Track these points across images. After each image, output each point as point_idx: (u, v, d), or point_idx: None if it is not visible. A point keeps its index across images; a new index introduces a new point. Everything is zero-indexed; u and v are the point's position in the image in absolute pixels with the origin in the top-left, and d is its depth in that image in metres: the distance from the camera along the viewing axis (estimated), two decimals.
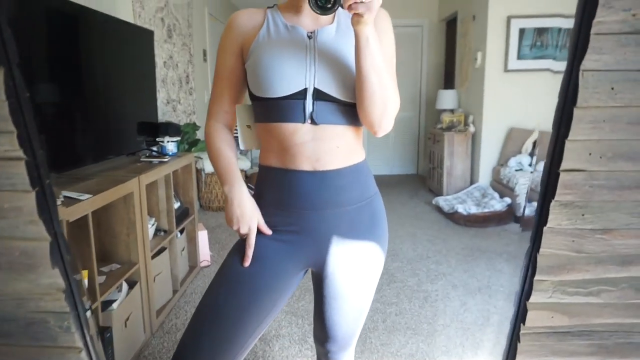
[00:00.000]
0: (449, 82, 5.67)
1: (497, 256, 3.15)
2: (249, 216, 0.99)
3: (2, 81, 0.51)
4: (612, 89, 0.53)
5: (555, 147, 0.56)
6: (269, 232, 1.01)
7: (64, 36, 1.86)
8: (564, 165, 0.57)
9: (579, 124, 0.54)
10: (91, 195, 1.64)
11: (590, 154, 0.56)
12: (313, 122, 0.94)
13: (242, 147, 1.11)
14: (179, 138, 2.77)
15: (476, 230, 3.74)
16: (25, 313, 0.64)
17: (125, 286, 1.99)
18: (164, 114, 3.49)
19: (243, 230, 0.99)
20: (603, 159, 0.56)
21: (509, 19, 4.14)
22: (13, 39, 0.52)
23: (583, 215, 0.59)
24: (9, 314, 0.63)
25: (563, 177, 0.57)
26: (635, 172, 0.57)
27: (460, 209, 3.90)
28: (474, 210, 3.88)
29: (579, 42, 0.51)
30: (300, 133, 0.95)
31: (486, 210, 3.87)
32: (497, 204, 3.91)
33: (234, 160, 1.05)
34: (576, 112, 0.54)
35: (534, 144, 4.00)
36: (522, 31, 4.14)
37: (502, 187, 4.12)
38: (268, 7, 1.04)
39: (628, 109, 0.54)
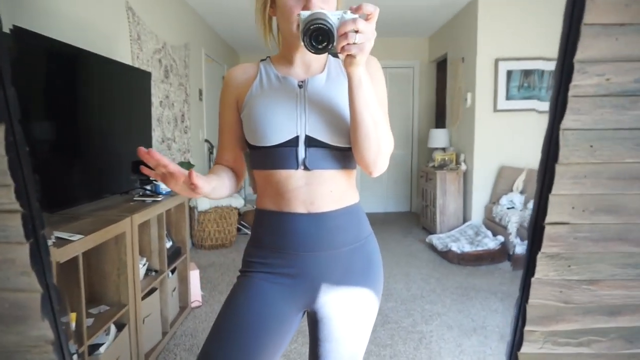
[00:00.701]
0: (440, 121, 5.79)
1: (491, 295, 3.13)
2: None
3: (2, 137, 0.53)
4: (591, 146, 0.56)
5: (539, 200, 0.58)
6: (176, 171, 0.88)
7: (63, 77, 1.90)
8: (549, 218, 0.59)
9: (561, 179, 0.56)
10: (83, 236, 1.63)
11: (573, 207, 0.58)
12: (306, 168, 0.97)
13: (254, 191, 1.13)
14: None
15: (470, 268, 3.73)
16: None
17: (113, 329, 1.95)
18: (159, 152, 3.51)
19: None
20: (586, 212, 0.58)
21: (496, 61, 4.29)
22: (16, 97, 0.53)
23: (569, 266, 0.60)
24: None
25: (548, 230, 0.59)
26: (617, 225, 0.59)
27: (454, 247, 3.90)
28: (467, 248, 3.88)
29: (558, 103, 0.54)
30: (294, 179, 0.97)
31: (479, 248, 3.87)
32: (491, 242, 3.91)
33: (216, 172, 1.04)
34: (558, 169, 0.56)
35: (524, 182, 4.05)
36: (509, 73, 4.28)
37: (494, 225, 4.14)
38: (261, 60, 1.09)
39: (607, 165, 0.57)
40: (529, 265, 0.61)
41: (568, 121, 0.55)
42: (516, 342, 0.63)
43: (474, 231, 4.33)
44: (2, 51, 0.53)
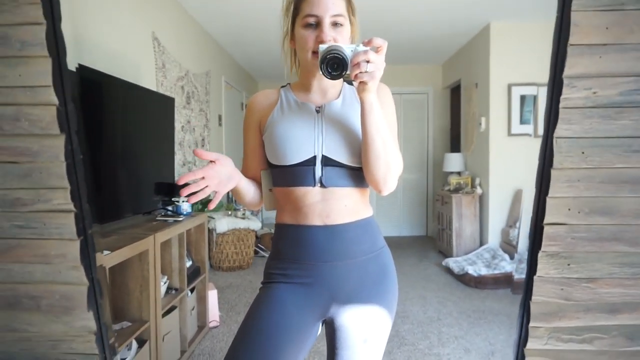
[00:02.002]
0: (455, 145, 5.83)
1: (509, 319, 3.10)
2: (225, 157, 1.02)
3: (62, 145, 0.61)
4: (583, 153, 0.61)
5: (538, 203, 0.63)
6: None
7: (97, 103, 2.03)
8: (547, 219, 0.64)
9: (557, 183, 0.62)
10: (110, 252, 1.71)
11: (569, 209, 0.63)
12: (322, 185, 1.04)
13: (266, 207, 1.20)
14: None
15: (487, 292, 3.70)
16: (58, 354, 0.69)
17: (135, 344, 2.00)
18: (180, 175, 3.63)
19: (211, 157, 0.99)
20: (581, 213, 0.63)
21: (509, 86, 4.35)
22: (74, 111, 0.62)
23: (569, 264, 0.65)
24: (43, 355, 0.69)
25: (547, 230, 0.63)
26: (611, 226, 0.63)
27: (471, 270, 3.88)
28: (484, 271, 3.86)
29: (551, 114, 0.60)
30: (311, 195, 1.05)
31: (497, 271, 3.84)
32: (508, 266, 3.88)
33: (248, 179, 1.15)
34: (553, 173, 0.61)
35: None
36: (522, 97, 4.33)
37: (512, 248, 4.12)
38: (282, 87, 1.18)
39: (598, 170, 0.62)
40: (531, 264, 0.66)
41: (561, 130, 0.61)
42: (522, 339, 0.67)
43: (490, 254, 4.31)
44: (65, 74, 0.61)
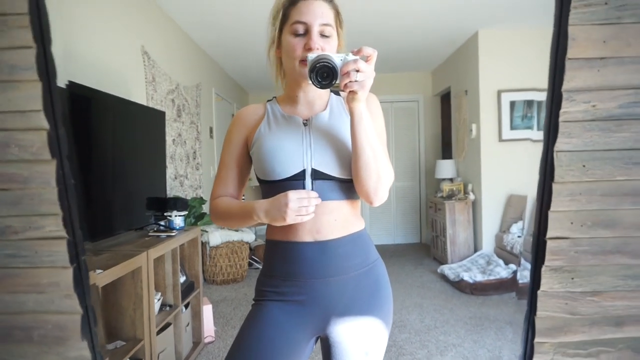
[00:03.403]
0: (446, 152, 5.86)
1: (506, 325, 3.09)
2: (283, 197, 0.98)
3: (54, 171, 0.59)
4: (584, 166, 0.61)
5: (540, 217, 0.63)
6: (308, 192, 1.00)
7: (86, 119, 2.00)
8: (550, 233, 0.63)
9: (559, 197, 0.61)
10: (102, 270, 1.68)
11: (571, 222, 0.62)
12: None
13: (254, 226, 1.18)
14: (186, 212, 2.84)
15: (483, 298, 3.69)
16: None
17: None
18: (172, 188, 3.60)
19: (295, 202, 0.97)
20: (584, 227, 0.63)
21: (499, 92, 4.39)
22: (65, 136, 0.60)
23: (572, 278, 0.64)
24: None
25: (550, 244, 0.63)
26: (614, 238, 0.63)
27: (466, 277, 3.88)
28: (479, 278, 3.86)
29: (550, 128, 0.60)
30: None
31: (492, 277, 3.84)
32: (503, 271, 3.89)
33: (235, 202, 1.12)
34: (555, 187, 0.61)
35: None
36: (512, 103, 4.38)
37: (506, 253, 4.13)
38: (268, 101, 1.17)
39: (599, 183, 0.62)
40: (534, 279, 0.65)
41: (561, 144, 0.61)
42: (527, 354, 0.66)
43: (485, 260, 4.31)
44: (55, 97, 0.60)
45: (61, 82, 1.78)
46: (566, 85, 0.59)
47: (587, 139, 0.61)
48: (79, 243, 0.64)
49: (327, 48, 1.03)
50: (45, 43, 0.54)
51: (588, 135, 0.61)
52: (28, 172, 0.58)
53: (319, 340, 1.13)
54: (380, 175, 1.00)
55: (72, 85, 1.89)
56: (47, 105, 0.56)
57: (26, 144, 0.58)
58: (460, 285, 3.89)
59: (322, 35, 1.03)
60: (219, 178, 1.17)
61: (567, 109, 0.59)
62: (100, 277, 1.66)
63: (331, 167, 1.02)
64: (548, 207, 0.61)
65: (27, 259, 0.62)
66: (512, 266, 3.92)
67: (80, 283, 0.64)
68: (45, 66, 0.54)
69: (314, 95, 1.10)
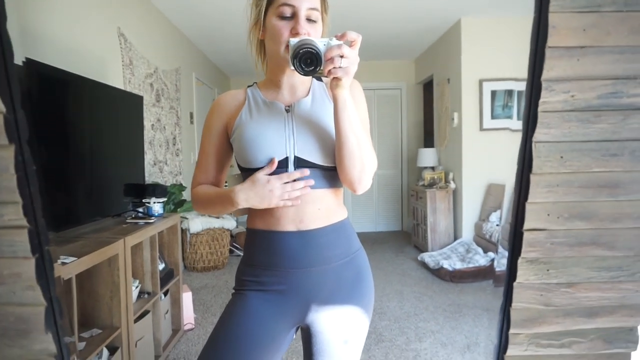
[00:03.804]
0: (428, 140, 5.89)
1: (484, 312, 3.15)
2: (265, 184, 0.97)
3: (12, 156, 0.56)
4: (562, 157, 0.61)
5: (517, 208, 0.62)
6: (274, 166, 0.99)
7: (58, 102, 1.93)
8: (527, 225, 0.63)
9: (536, 188, 0.61)
10: (76, 258, 1.64)
11: (548, 214, 0.62)
12: None
13: (235, 214, 1.16)
14: (165, 199, 2.79)
15: (462, 285, 3.75)
16: None
17: (105, 352, 1.93)
18: (151, 175, 3.53)
19: (279, 189, 0.97)
20: (560, 218, 0.62)
21: (480, 81, 4.41)
22: (25, 119, 0.57)
23: (548, 270, 0.64)
24: None
25: (527, 236, 0.63)
26: (590, 230, 0.63)
27: (446, 264, 3.93)
28: (459, 266, 3.91)
29: (529, 118, 0.59)
30: None
31: (471, 265, 3.90)
32: (482, 259, 3.95)
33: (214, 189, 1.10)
34: (533, 178, 0.60)
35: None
36: (493, 93, 4.40)
37: (485, 242, 4.19)
38: (248, 86, 1.13)
39: (577, 174, 0.61)
40: (510, 271, 0.65)
41: (539, 134, 0.60)
42: (502, 345, 0.67)
43: (464, 248, 4.37)
44: (13, 78, 0.56)
45: (20, 60, 1.71)
46: (546, 74, 0.58)
47: (565, 129, 0.60)
48: (41, 232, 0.61)
49: (313, 33, 1.00)
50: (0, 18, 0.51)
51: (567, 126, 0.60)
52: None
53: (299, 330, 1.12)
54: (364, 163, 0.98)
55: (30, 63, 1.81)
56: (2, 87, 0.52)
57: None
58: (439, 273, 3.94)
59: (309, 19, 1.00)
60: (199, 165, 1.15)
61: (547, 99, 0.58)
62: (74, 265, 1.62)
63: (314, 155, 1.00)
64: (525, 198, 0.61)
65: None
66: (491, 254, 3.98)
67: (44, 274, 0.62)
68: (0, 44, 0.51)
69: (297, 81, 1.07)
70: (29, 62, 1.66)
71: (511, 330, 0.65)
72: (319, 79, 1.12)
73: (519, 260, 0.63)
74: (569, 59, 0.58)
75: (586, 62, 0.57)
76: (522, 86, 4.35)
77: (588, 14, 0.54)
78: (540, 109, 0.58)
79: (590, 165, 0.61)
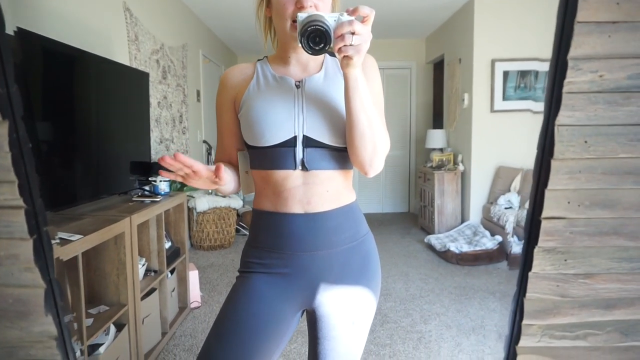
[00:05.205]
0: (437, 121, 5.80)
1: (489, 295, 3.14)
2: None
3: (6, 133, 0.53)
4: (586, 142, 0.57)
5: (536, 195, 0.59)
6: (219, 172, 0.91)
7: (61, 78, 1.90)
8: (545, 213, 0.59)
9: (557, 175, 0.57)
10: (82, 236, 1.64)
11: (569, 202, 0.59)
12: (304, 168, 0.97)
13: (243, 192, 1.13)
14: None
15: (469, 268, 3.74)
16: None
17: (113, 329, 1.95)
18: (157, 153, 3.52)
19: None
20: (581, 207, 0.59)
21: (493, 62, 4.31)
22: (19, 94, 0.54)
23: (565, 260, 0.61)
24: None
25: (545, 224, 0.60)
26: (611, 219, 0.60)
27: (452, 247, 3.91)
28: (465, 248, 3.90)
29: (553, 99, 0.55)
30: (291, 178, 0.98)
31: (478, 248, 3.88)
32: (489, 242, 3.92)
33: (229, 172, 1.06)
34: (553, 164, 0.57)
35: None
36: (506, 73, 4.30)
37: (492, 225, 4.16)
38: (258, 60, 1.09)
39: (601, 161, 0.58)
40: (526, 260, 0.62)
41: (563, 117, 0.56)
42: (514, 336, 0.64)
43: (472, 231, 4.35)
44: (5, 50, 0.53)
45: (44, 37, 1.68)
46: (573, 52, 0.53)
47: (591, 112, 0.56)
48: (39, 213, 0.59)
49: (321, 6, 0.95)
50: None
51: (592, 108, 0.56)
52: None
53: (304, 313, 1.11)
54: (376, 144, 0.94)
55: (52, 42, 1.78)
56: None
57: None
58: (446, 255, 3.93)
59: None
60: (218, 144, 1.13)
61: (572, 79, 0.54)
62: (80, 243, 1.62)
63: (324, 135, 0.96)
64: (545, 185, 0.58)
65: None
66: (498, 237, 3.95)
67: (42, 256, 0.60)
68: None
69: (308, 57, 1.03)
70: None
71: (524, 321, 0.62)
72: (332, 54, 1.07)
73: (536, 250, 0.60)
74: (599, 36, 0.53)
75: (618, 39, 0.53)
76: (539, 66, 4.24)
77: None
78: (565, 89, 0.54)
79: (616, 150, 0.57)
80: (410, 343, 2.46)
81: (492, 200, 4.39)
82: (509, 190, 4.17)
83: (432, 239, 4.30)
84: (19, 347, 0.63)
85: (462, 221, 4.67)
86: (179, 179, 0.89)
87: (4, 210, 0.57)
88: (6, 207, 0.56)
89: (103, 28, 2.70)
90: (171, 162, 0.82)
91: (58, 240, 1.51)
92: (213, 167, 0.89)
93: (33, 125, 1.66)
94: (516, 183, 4.09)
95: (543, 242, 0.60)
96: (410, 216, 6.00)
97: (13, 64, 0.53)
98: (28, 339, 0.63)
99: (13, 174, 0.54)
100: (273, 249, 1.02)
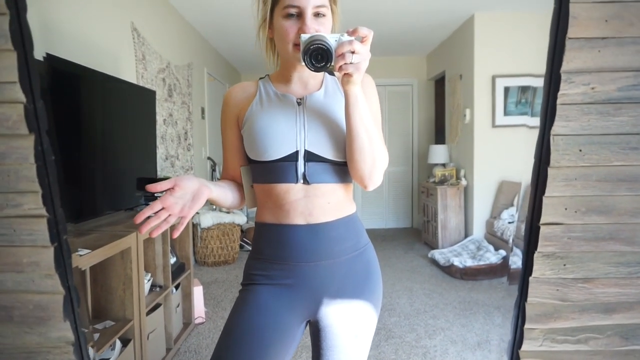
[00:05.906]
0: (439, 137, 5.85)
1: (494, 310, 3.13)
2: (184, 178, 0.94)
3: (32, 146, 0.57)
4: (580, 150, 0.60)
5: (534, 202, 0.61)
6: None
7: (72, 95, 1.95)
8: (543, 219, 0.62)
9: (554, 182, 0.60)
10: (89, 251, 1.66)
11: (566, 208, 0.61)
12: (305, 181, 1.00)
13: (248, 206, 1.15)
14: None
15: (472, 283, 3.73)
16: None
17: (118, 344, 1.95)
18: (163, 169, 3.56)
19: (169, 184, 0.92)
20: (578, 213, 0.62)
21: (493, 78, 4.36)
22: (44, 109, 0.58)
23: (564, 265, 0.63)
24: None
25: (543, 230, 0.62)
26: (607, 225, 0.62)
27: (456, 262, 3.91)
28: (469, 263, 3.89)
29: (548, 110, 0.58)
30: (293, 192, 1.01)
31: (482, 263, 3.87)
32: (493, 257, 3.92)
33: (221, 183, 1.09)
34: (550, 172, 0.59)
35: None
36: (507, 89, 4.35)
37: (496, 239, 4.16)
38: (260, 78, 1.13)
39: (596, 168, 0.60)
40: (526, 265, 0.64)
41: (558, 127, 0.59)
42: (517, 340, 0.66)
43: (475, 246, 4.34)
44: (32, 68, 0.57)
45: (40, 55, 1.73)
46: (565, 66, 0.57)
47: (584, 122, 0.59)
48: (60, 222, 0.61)
49: (322, 29, 0.99)
50: (19, 9, 0.51)
51: (586, 118, 0.59)
52: (4, 147, 0.56)
53: (308, 324, 1.12)
54: (375, 159, 0.98)
55: (50, 58, 1.83)
56: (23, 77, 0.53)
57: (1, 117, 0.55)
58: (450, 270, 3.92)
59: (317, 15, 0.99)
60: (224, 162, 1.16)
61: (566, 91, 0.58)
62: (87, 258, 1.64)
63: (325, 149, 1.00)
64: (543, 192, 0.60)
65: (5, 237, 0.59)
66: (502, 252, 3.95)
67: (62, 263, 0.62)
68: (20, 35, 0.51)
69: (308, 75, 1.07)
70: (50, 58, 1.68)
71: (526, 326, 0.64)
72: (331, 73, 1.11)
73: (535, 255, 0.62)
74: (589, 50, 0.57)
75: (607, 54, 0.56)
76: (537, 82, 4.30)
77: (610, 4, 0.53)
78: (559, 101, 0.57)
79: (609, 158, 0.60)
80: (415, 358, 2.45)
81: (495, 214, 4.40)
82: (512, 205, 4.18)
83: (436, 254, 4.30)
84: (36, 352, 0.65)
85: (466, 236, 4.67)
86: (170, 222, 0.90)
87: (27, 219, 0.59)
88: (30, 216, 0.59)
89: (111, 48, 2.77)
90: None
91: (81, 253, 1.53)
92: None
93: (58, 142, 1.72)
94: (518, 197, 4.10)
95: (542, 247, 0.63)
96: (413, 231, 6.00)
97: (39, 82, 0.56)
98: (46, 344, 0.65)
99: (37, 185, 0.57)
100: (276, 260, 1.04)
